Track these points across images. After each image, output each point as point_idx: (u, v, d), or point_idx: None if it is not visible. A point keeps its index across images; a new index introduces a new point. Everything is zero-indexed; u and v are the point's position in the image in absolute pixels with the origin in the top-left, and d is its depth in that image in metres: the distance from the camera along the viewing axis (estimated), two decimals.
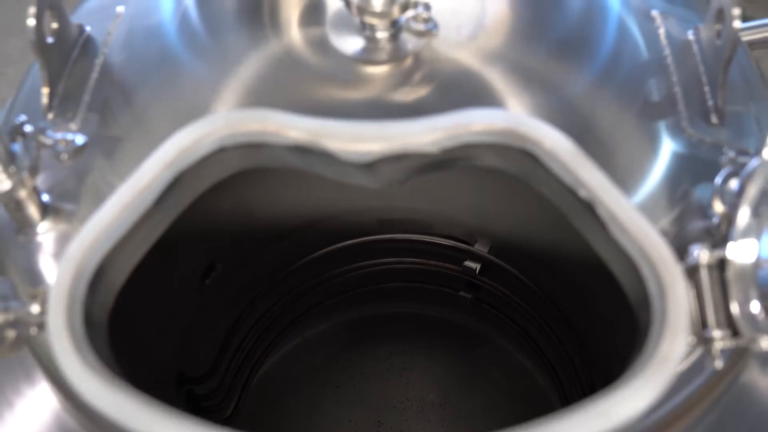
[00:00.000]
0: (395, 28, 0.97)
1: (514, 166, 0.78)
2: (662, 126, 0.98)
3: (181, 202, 0.78)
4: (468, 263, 1.61)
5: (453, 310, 1.90)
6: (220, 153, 0.74)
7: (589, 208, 0.70)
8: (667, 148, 0.95)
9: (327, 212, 1.52)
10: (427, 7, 0.95)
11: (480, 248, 1.58)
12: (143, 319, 1.21)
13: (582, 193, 0.69)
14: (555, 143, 0.70)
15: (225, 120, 0.73)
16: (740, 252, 0.72)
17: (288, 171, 1.29)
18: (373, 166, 0.74)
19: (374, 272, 1.71)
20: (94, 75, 1.07)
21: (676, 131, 0.97)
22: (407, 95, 0.94)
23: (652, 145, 0.97)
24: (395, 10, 0.92)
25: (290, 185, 1.39)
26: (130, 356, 1.19)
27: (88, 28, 1.13)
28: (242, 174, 1.23)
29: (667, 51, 1.03)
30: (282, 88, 1.00)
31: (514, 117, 0.72)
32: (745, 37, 1.17)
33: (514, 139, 0.71)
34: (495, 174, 1.33)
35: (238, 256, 1.47)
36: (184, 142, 0.71)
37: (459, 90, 0.98)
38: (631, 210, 0.71)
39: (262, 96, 1.00)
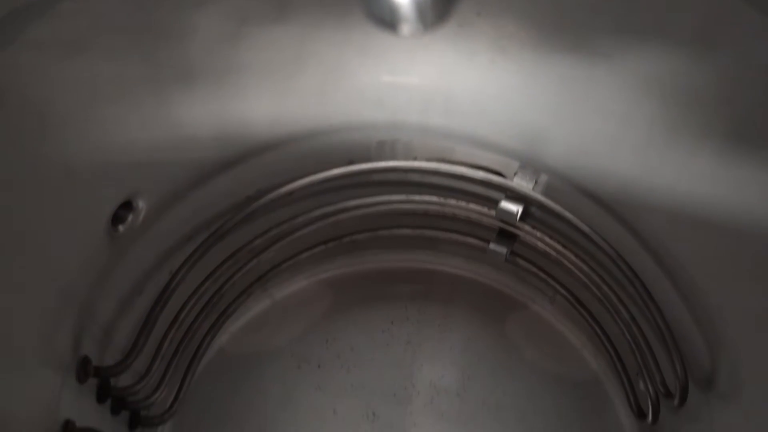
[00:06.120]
0: None
1: None
2: None
3: None
4: (505, 204, 1.31)
5: (479, 266, 1.65)
6: None
7: None
8: None
9: (304, 127, 1.26)
10: None
11: (523, 182, 1.29)
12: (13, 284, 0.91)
13: None
14: None
15: None
16: None
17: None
18: None
19: (371, 214, 1.42)
20: None
21: None
22: None
23: None
24: None
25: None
26: None
27: None
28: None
29: None
30: None
31: None
32: None
33: None
34: (568, 56, 1.16)
35: (168, 188, 1.17)
36: None
37: None
38: None
39: None
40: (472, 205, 1.36)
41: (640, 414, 1.33)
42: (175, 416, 1.36)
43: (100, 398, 1.15)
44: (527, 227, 1.34)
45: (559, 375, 1.53)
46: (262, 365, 1.53)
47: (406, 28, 0.82)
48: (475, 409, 1.50)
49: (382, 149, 1.32)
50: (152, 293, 1.23)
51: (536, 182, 1.27)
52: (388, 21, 0.81)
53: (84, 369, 1.08)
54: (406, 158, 1.33)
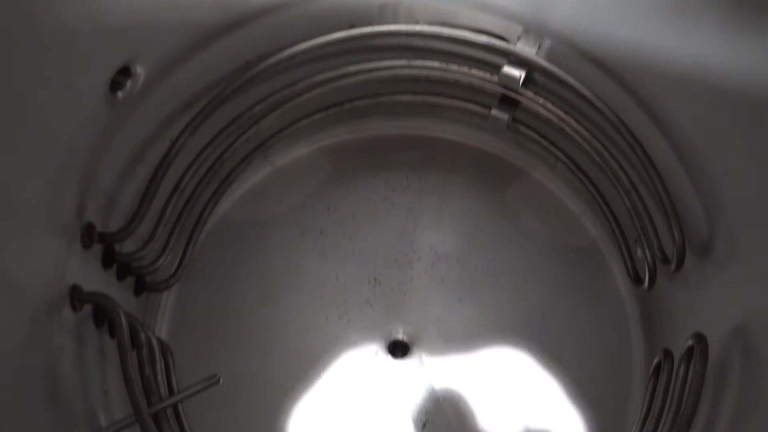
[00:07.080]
0: None
1: None
2: None
3: None
4: (507, 70, 1.29)
5: (481, 133, 1.61)
6: None
7: None
8: None
9: None
10: None
11: (526, 47, 1.26)
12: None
13: None
14: None
15: None
16: None
17: None
18: None
19: (372, 80, 1.39)
20: None
21: None
22: None
23: None
24: None
25: None
26: None
27: None
28: None
29: None
30: None
31: None
32: None
33: None
34: None
35: (166, 53, 1.14)
36: None
37: None
38: None
39: None
40: (474, 71, 1.33)
41: (637, 280, 1.35)
42: (179, 282, 1.38)
43: (106, 263, 1.16)
44: (529, 93, 1.32)
45: (558, 242, 1.54)
46: (264, 232, 1.54)
47: None
48: (474, 274, 1.51)
49: (384, 13, 1.28)
50: (153, 160, 1.22)
51: (539, 47, 1.24)
52: None
53: (88, 234, 1.08)
54: (408, 22, 1.29)
